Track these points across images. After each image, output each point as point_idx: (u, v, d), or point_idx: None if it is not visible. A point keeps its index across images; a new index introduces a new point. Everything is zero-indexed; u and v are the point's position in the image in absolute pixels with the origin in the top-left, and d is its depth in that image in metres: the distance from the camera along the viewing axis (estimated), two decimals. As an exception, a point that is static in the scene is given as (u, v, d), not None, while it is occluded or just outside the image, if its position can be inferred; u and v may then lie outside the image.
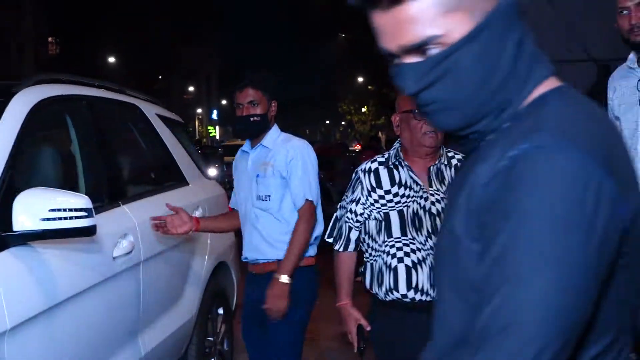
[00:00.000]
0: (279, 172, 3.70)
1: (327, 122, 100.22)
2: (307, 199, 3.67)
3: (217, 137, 61.33)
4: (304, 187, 3.68)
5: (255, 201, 3.76)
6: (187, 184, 4.84)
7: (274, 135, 3.80)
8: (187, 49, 42.49)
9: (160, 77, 42.98)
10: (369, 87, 45.85)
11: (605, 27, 13.17)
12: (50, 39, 33.16)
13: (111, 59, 35.99)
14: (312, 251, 3.79)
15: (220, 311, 5.05)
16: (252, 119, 3.73)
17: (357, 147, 30.07)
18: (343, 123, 74.99)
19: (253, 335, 3.86)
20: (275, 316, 3.62)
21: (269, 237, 3.73)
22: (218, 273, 5.08)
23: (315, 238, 3.79)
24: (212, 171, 20.95)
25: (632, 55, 3.54)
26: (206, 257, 4.84)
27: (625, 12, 3.36)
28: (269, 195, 3.71)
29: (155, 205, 4.06)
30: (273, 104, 3.81)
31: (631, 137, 3.47)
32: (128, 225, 3.67)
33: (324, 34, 47.18)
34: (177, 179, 4.80)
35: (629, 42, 3.43)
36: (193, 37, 41.00)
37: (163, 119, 5.01)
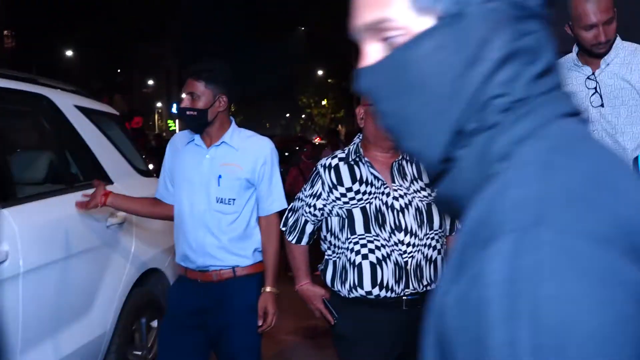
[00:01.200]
0: (247, 175, 3.44)
1: (287, 115, 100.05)
2: (280, 209, 3.52)
3: (177, 131, 60.83)
4: (278, 194, 3.53)
5: (214, 204, 3.44)
6: (111, 182, 4.29)
7: (236, 132, 3.52)
8: (147, 43, 42.07)
9: (119, 70, 42.51)
10: (329, 80, 45.92)
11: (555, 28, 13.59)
12: (5, 32, 32.56)
13: (69, 53, 35.49)
14: (260, 256, 3.62)
15: (154, 323, 4.55)
16: (188, 112, 3.45)
17: (317, 140, 30.09)
18: (303, 116, 74.96)
19: (180, 344, 3.54)
20: (270, 324, 3.49)
21: (228, 244, 3.45)
22: (148, 281, 4.58)
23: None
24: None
25: (575, 51, 3.53)
26: (127, 264, 4.31)
27: (591, 29, 3.36)
28: (233, 199, 3.44)
29: (57, 207, 3.66)
30: (221, 99, 3.45)
31: None
32: (5, 232, 3.16)
33: (284, 27, 47.10)
34: (95, 177, 4.19)
35: (591, 52, 3.43)
36: (152, 32, 40.58)
37: (85, 110, 4.48)
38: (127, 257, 4.31)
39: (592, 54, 3.45)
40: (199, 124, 3.46)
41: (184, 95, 3.49)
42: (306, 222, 3.16)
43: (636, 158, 3.36)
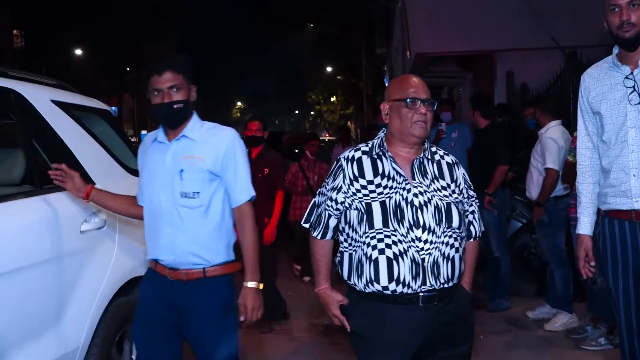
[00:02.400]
0: (209, 166, 3.36)
1: (296, 112, 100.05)
2: (249, 198, 3.45)
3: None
4: (244, 184, 3.43)
5: (179, 199, 3.36)
6: (93, 183, 3.88)
7: (197, 125, 3.44)
8: (155, 41, 42.13)
9: (128, 69, 42.54)
10: (338, 77, 45.85)
11: (570, 16, 13.25)
12: (15, 31, 32.64)
13: (78, 52, 35.54)
14: (233, 255, 3.53)
15: None
16: (175, 106, 3.35)
17: (327, 137, 30.01)
18: (312, 113, 74.93)
19: (153, 340, 3.47)
20: (253, 320, 3.40)
21: (196, 241, 3.36)
22: (133, 291, 4.15)
23: (234, 240, 3.53)
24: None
25: (615, 52, 3.65)
26: (107, 272, 4.00)
27: (616, 9, 3.49)
28: (198, 192, 3.35)
29: (23, 211, 3.45)
30: (193, 89, 3.44)
31: (618, 131, 3.58)
32: None
33: (293, 25, 47.00)
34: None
35: (617, 38, 3.55)
36: (161, 30, 40.62)
37: (64, 105, 4.20)
38: (107, 264, 4.03)
39: (621, 42, 3.55)
40: (184, 116, 3.41)
41: (157, 89, 3.37)
42: (330, 216, 3.15)
43: None
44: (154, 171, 3.48)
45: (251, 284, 3.38)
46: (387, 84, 27.07)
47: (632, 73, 3.56)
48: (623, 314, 3.68)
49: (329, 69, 47.24)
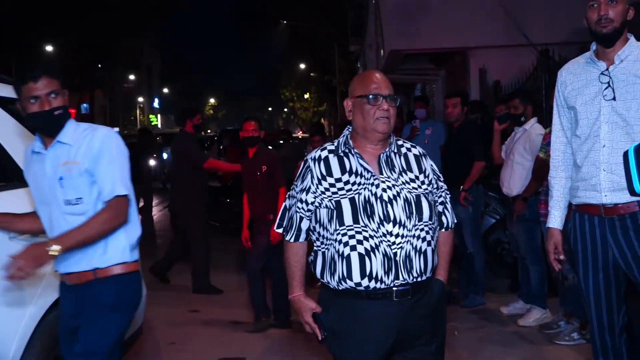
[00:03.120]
0: (86, 169, 3.24)
1: (270, 109, 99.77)
2: (117, 195, 3.26)
3: (159, 126, 60.53)
4: (112, 179, 3.26)
5: (64, 207, 3.27)
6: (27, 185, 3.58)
7: (71, 129, 3.31)
8: (127, 37, 41.74)
9: (99, 66, 42.14)
10: (311, 74, 45.76)
11: (543, 14, 13.32)
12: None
13: (49, 49, 35.14)
14: (135, 255, 3.44)
15: None
16: (56, 112, 3.23)
17: (300, 134, 29.97)
18: (285, 110, 74.78)
19: (69, 349, 3.40)
20: (18, 275, 3.01)
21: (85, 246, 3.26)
22: None
23: (137, 240, 3.45)
24: (152, 162, 20.46)
25: (592, 48, 3.72)
26: (35, 297, 3.75)
27: (595, 5, 3.57)
28: (81, 198, 3.25)
29: None
30: (66, 94, 3.32)
31: (591, 126, 3.64)
32: None
33: (266, 21, 46.88)
34: (9, 179, 3.84)
35: (595, 34, 3.62)
36: (133, 26, 40.26)
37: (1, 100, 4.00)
38: (37, 287, 3.76)
39: (599, 37, 3.61)
40: (63, 122, 3.30)
41: (33, 96, 3.22)
42: (301, 218, 3.13)
43: (626, 152, 3.45)
44: (39, 183, 3.37)
45: (50, 248, 3.08)
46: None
47: (607, 69, 3.62)
48: (594, 309, 3.73)
49: (302, 66, 47.16)
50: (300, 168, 3.17)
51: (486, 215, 8.01)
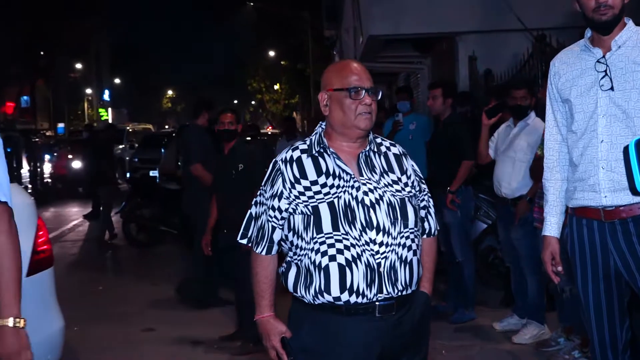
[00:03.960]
0: None
1: (235, 102, 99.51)
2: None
3: (110, 121, 60.16)
4: None
5: None
6: None
7: None
8: (74, 22, 41.41)
9: (42, 53, 41.78)
10: (282, 62, 45.75)
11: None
12: None
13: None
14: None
15: None
16: None
17: (270, 129, 29.97)
18: (253, 103, 74.61)
19: None
20: None
21: None
22: None
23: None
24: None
25: (587, 35, 3.72)
26: None
27: None
28: None
29: None
30: None
31: (588, 120, 3.63)
32: None
33: (230, 3, 46.77)
34: None
35: (592, 21, 3.61)
36: (80, 9, 39.95)
37: None
38: None
39: (597, 25, 3.61)
40: None
41: None
42: (274, 228, 3.10)
43: (626, 147, 3.44)
44: None
45: (7, 322, 2.69)
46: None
47: (604, 56, 3.62)
48: (594, 324, 3.73)
49: (271, 53, 47.13)
50: (269, 171, 3.14)
51: (477, 219, 8.03)
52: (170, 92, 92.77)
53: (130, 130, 31.57)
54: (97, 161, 13.60)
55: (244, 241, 3.20)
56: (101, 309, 8.40)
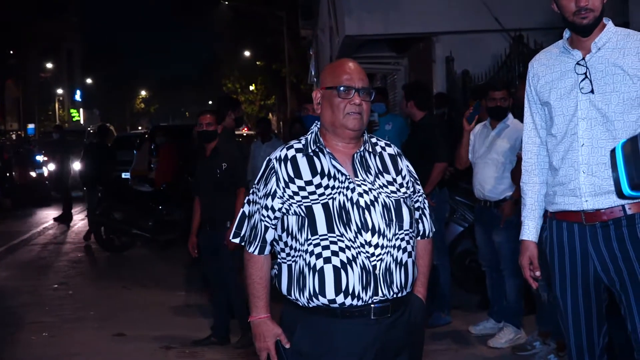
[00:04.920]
0: None
1: (210, 102, 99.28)
2: None
3: (82, 122, 59.79)
4: None
5: None
6: None
7: None
8: (45, 20, 41.15)
9: (11, 52, 41.46)
10: (257, 62, 45.66)
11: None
12: None
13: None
14: None
15: None
16: None
17: (245, 131, 29.90)
18: (228, 104, 74.41)
19: None
20: None
21: None
22: None
23: None
24: (77, 165, 20.09)
25: (566, 36, 3.70)
26: None
27: None
28: None
29: None
30: None
31: (568, 123, 3.62)
32: None
33: (205, 2, 46.62)
34: None
35: (574, 25, 3.58)
36: (51, 7, 39.71)
37: None
38: None
39: (577, 29, 3.58)
40: None
41: None
42: (267, 228, 3.09)
43: (613, 150, 3.38)
44: None
45: None
46: (312, 70, 27.14)
47: (583, 59, 3.61)
48: (572, 329, 3.74)
49: (246, 53, 47.02)
50: (262, 169, 3.14)
51: (453, 222, 8.06)
52: (143, 93, 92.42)
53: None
54: (92, 162, 13.60)
55: (237, 240, 3.19)
56: (71, 313, 8.36)
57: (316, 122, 3.19)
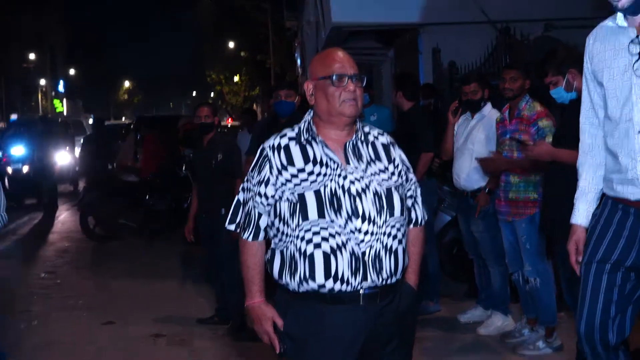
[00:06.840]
0: None
1: (194, 94, 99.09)
2: None
3: (65, 113, 59.51)
4: None
5: None
6: None
7: None
8: (27, 11, 40.93)
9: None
10: (241, 53, 45.57)
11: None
12: None
13: None
14: None
15: None
16: None
17: (230, 122, 29.85)
18: (212, 95, 74.28)
19: None
20: None
21: None
22: None
23: None
24: (65, 157, 20.00)
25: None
26: None
27: None
28: None
29: None
30: None
31: (622, 108, 3.33)
32: None
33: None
34: None
35: (613, 8, 3.29)
36: (34, 1, 39.48)
37: None
38: None
39: (616, 9, 3.29)
40: None
41: None
42: (260, 214, 3.15)
43: None
44: None
45: None
46: (298, 61, 27.13)
47: (638, 37, 3.28)
48: (587, 304, 3.45)
49: (231, 44, 46.90)
50: (257, 157, 3.18)
51: (441, 212, 8.09)
52: (127, 84, 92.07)
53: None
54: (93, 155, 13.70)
55: (232, 227, 3.26)
56: (60, 302, 8.35)
57: (309, 110, 3.22)
